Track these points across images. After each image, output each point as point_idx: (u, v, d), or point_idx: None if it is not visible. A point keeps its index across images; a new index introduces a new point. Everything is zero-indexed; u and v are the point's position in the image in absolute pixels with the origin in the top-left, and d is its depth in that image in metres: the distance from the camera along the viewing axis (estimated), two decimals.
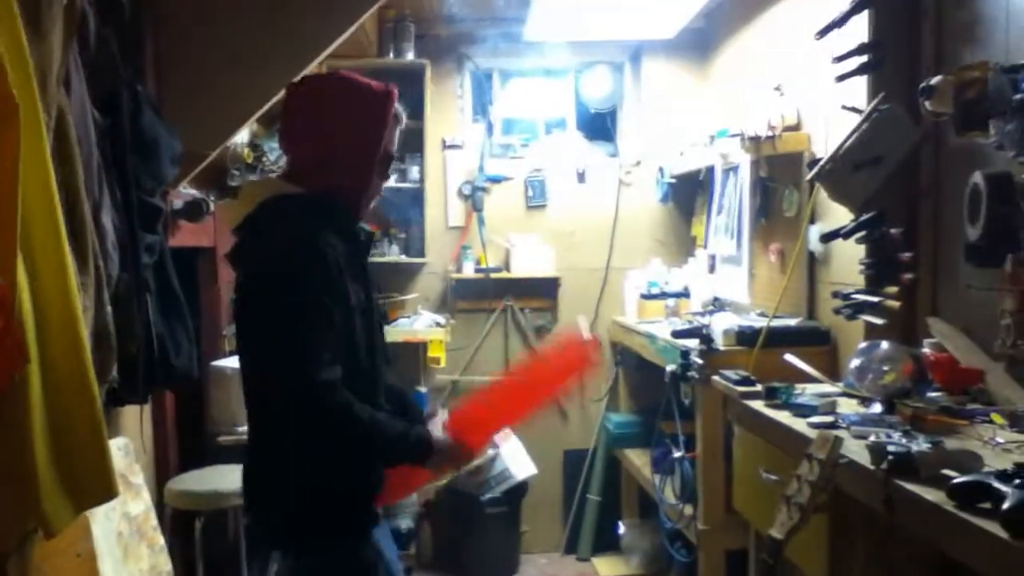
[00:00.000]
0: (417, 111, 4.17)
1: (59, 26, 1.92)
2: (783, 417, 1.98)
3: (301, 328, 1.62)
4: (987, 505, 1.29)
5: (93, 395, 1.78)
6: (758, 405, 2.12)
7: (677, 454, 3.15)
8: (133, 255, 2.27)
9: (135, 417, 2.64)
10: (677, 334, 3.06)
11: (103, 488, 1.81)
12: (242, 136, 3.48)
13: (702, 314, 3.32)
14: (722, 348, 2.81)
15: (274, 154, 3.75)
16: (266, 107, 3.01)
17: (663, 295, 3.81)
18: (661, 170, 4.20)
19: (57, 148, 1.86)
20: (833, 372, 2.63)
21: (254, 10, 2.85)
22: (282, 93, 3.05)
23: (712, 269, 3.78)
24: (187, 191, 3.04)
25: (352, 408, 1.63)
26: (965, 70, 1.94)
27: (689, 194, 4.22)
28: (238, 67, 2.88)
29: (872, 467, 1.52)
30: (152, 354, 2.32)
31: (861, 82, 2.44)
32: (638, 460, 3.77)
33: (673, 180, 4.15)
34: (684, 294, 3.77)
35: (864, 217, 2.35)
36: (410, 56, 4.13)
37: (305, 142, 1.79)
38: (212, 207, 3.08)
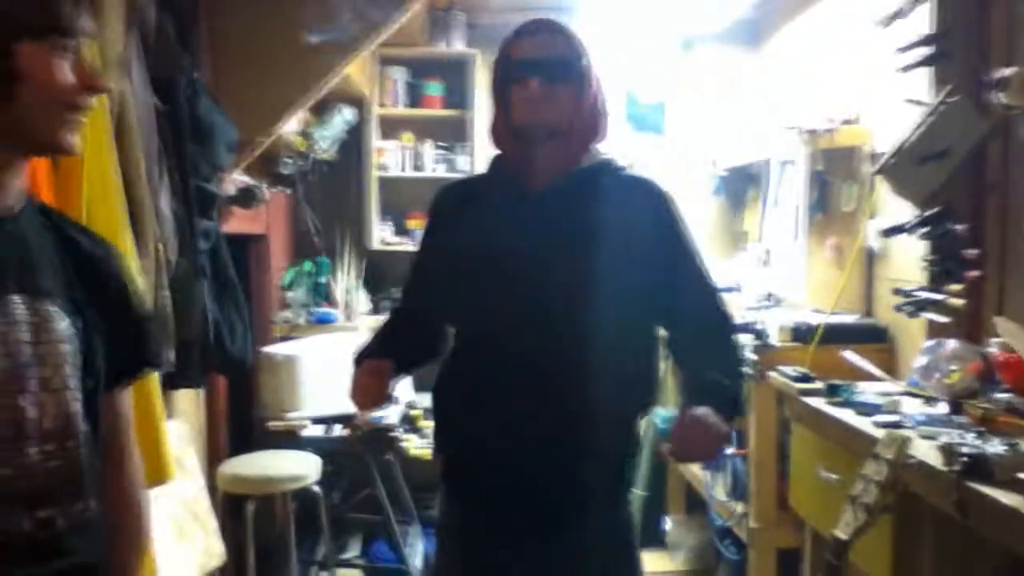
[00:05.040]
0: (466, 100, 4.17)
1: (119, 12, 1.94)
2: (846, 415, 1.94)
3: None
4: None
5: (152, 378, 1.80)
6: (819, 403, 2.08)
7: (728, 451, 3.10)
8: (190, 241, 2.28)
9: (189, 401, 2.67)
10: None
11: (160, 470, 1.83)
12: (293, 124, 3.50)
13: (756, 309, 3.27)
14: (777, 344, 2.76)
15: (324, 142, 3.77)
16: (319, 95, 3.02)
17: None
18: (713, 163, 4.15)
19: (118, 133, 1.89)
20: (891, 371, 2.57)
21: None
22: (333, 82, 3.08)
23: (766, 264, 3.72)
24: (240, 178, 3.05)
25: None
26: None
27: (740, 187, 4.15)
28: (290, 55, 2.89)
29: (944, 468, 1.48)
30: (208, 339, 2.34)
31: (921, 75, 2.38)
32: None
33: (725, 173, 4.09)
34: (735, 289, 3.71)
35: (928, 212, 2.29)
36: (460, 46, 4.12)
37: None
38: (265, 194, 3.10)
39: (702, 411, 1.51)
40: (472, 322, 1.73)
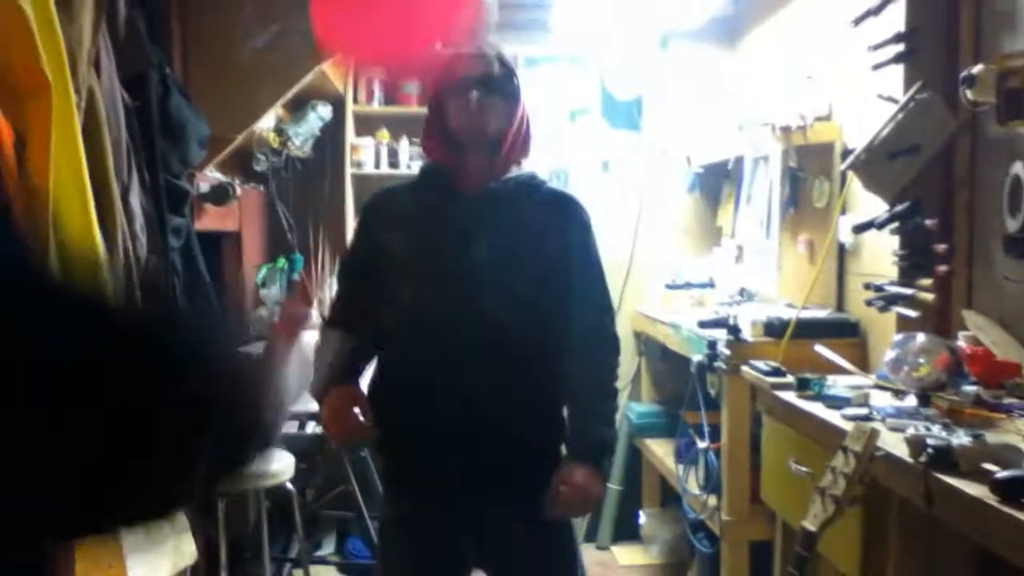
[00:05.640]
0: None
1: (89, 7, 1.92)
2: (816, 409, 1.95)
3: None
4: None
5: None
6: (790, 396, 2.09)
7: (701, 444, 3.12)
8: (161, 237, 2.27)
9: None
10: (704, 324, 3.04)
11: None
12: (268, 121, 3.48)
13: (729, 304, 3.29)
14: (750, 339, 2.78)
15: (299, 139, 3.75)
16: (292, 92, 3.01)
17: (688, 285, 3.78)
18: (688, 159, 4.17)
19: (86, 129, 1.87)
20: (863, 365, 2.59)
21: None
22: (307, 78, 3.07)
23: (739, 259, 3.74)
24: (213, 175, 3.04)
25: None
26: (1007, 58, 1.90)
27: (715, 183, 4.18)
28: (264, 52, 2.88)
29: (910, 460, 1.50)
30: None
31: (894, 71, 2.40)
32: (660, 450, 3.75)
33: (700, 170, 4.12)
34: (709, 284, 3.74)
35: (898, 207, 2.31)
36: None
37: None
38: (238, 191, 3.08)
39: (583, 476, 1.78)
40: (411, 318, 1.80)
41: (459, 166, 1.83)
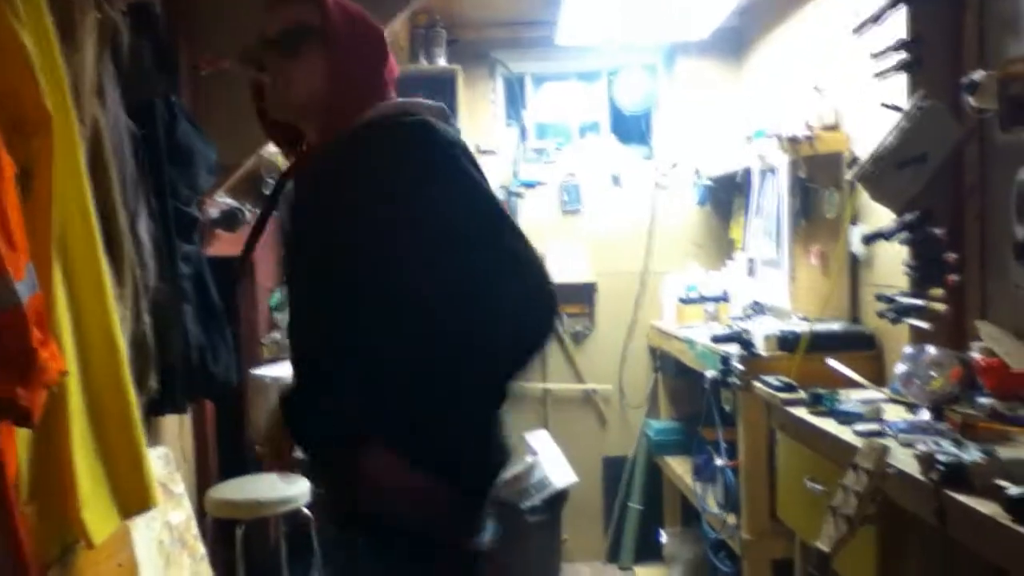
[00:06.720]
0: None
1: (92, 38, 1.94)
2: (828, 425, 1.93)
3: None
4: None
5: (131, 405, 1.79)
6: (801, 412, 2.07)
7: (719, 462, 3.09)
8: (170, 265, 2.28)
9: (175, 426, 2.66)
10: (717, 339, 3.01)
11: (143, 498, 1.83)
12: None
13: (742, 318, 3.27)
14: (763, 353, 2.75)
15: None
16: None
17: (702, 299, 3.76)
18: (697, 172, 4.16)
19: (92, 158, 1.88)
20: (879, 378, 2.56)
21: None
22: None
23: (751, 272, 3.72)
24: (223, 200, 3.05)
25: None
26: (1010, 64, 1.88)
27: (726, 196, 4.16)
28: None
29: (922, 477, 1.47)
30: (191, 364, 2.33)
31: (901, 79, 2.38)
32: (679, 467, 3.72)
33: (710, 182, 4.10)
34: (723, 298, 3.71)
35: (907, 217, 2.29)
36: (442, 62, 4.12)
37: None
38: (248, 216, 3.09)
39: None
40: None
41: (287, 153, 1.57)
